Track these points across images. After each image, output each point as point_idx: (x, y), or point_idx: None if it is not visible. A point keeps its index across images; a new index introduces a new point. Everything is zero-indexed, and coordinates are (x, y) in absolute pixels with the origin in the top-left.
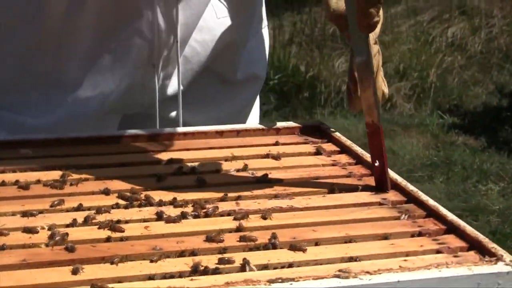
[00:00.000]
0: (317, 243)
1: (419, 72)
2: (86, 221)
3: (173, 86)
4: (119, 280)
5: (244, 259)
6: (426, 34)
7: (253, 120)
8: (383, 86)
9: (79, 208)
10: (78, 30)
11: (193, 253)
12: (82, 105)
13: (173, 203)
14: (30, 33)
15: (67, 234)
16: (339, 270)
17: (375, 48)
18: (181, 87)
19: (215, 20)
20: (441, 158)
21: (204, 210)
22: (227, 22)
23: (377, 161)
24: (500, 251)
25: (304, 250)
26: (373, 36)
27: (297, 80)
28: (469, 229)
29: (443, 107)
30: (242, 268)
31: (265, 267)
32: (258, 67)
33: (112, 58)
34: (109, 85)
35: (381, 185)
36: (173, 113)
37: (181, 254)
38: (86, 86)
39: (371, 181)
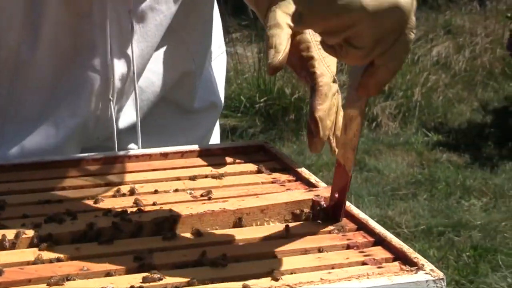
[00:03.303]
0: (243, 259)
1: (404, 91)
2: (15, 244)
3: (128, 117)
4: None
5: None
6: (411, 54)
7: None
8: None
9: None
10: (32, 63)
11: (118, 272)
12: (37, 138)
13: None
14: None
15: None
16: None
17: (334, 87)
18: (140, 117)
19: (170, 50)
20: (425, 175)
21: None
22: (182, 50)
23: (337, 194)
24: (422, 260)
25: (224, 265)
26: (330, 74)
27: (283, 103)
28: (395, 240)
29: (428, 125)
30: None
31: (188, 284)
32: (215, 95)
33: (67, 91)
34: (64, 119)
35: (335, 214)
36: (131, 145)
37: (108, 274)
38: (41, 119)
39: None
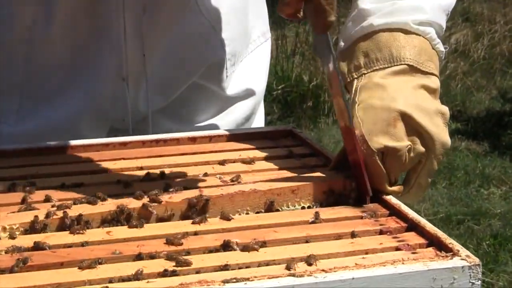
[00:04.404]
0: (276, 243)
1: None
2: (46, 226)
3: (155, 100)
4: (77, 285)
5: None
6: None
7: None
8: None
9: (48, 215)
10: (46, 41)
11: (151, 256)
12: (52, 116)
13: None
14: None
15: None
16: (293, 269)
17: None
18: (166, 101)
19: (198, 38)
20: (444, 163)
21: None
22: (212, 39)
23: (353, 157)
24: (457, 246)
25: (257, 250)
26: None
27: (300, 90)
28: (429, 226)
29: None
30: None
31: (221, 268)
32: (253, 83)
33: (81, 71)
34: (78, 98)
35: (362, 190)
36: (165, 127)
37: (140, 257)
38: (56, 98)
39: None
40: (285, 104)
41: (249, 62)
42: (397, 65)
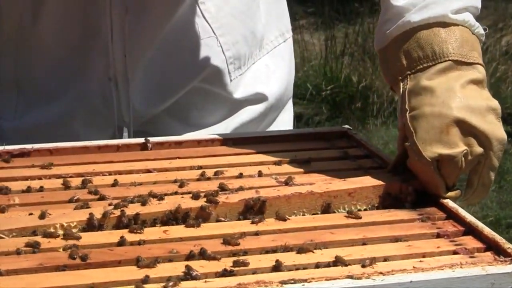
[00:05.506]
0: (333, 245)
1: None
2: (103, 224)
3: (152, 102)
4: (135, 282)
5: (277, 261)
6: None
7: None
8: None
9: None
10: (35, 37)
11: (208, 256)
12: (46, 112)
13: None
14: None
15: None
16: (351, 271)
17: None
18: (164, 103)
19: (197, 41)
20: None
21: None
22: (211, 43)
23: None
24: None
25: (313, 251)
26: None
27: (349, 91)
28: (487, 230)
29: None
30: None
31: (278, 268)
32: (264, 86)
33: (71, 69)
34: (69, 95)
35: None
36: (171, 128)
37: (196, 256)
38: (47, 94)
39: None
40: (333, 105)
41: (262, 65)
42: (441, 62)
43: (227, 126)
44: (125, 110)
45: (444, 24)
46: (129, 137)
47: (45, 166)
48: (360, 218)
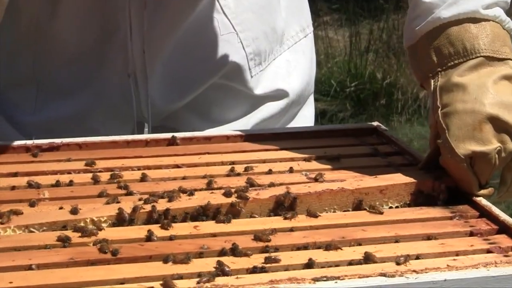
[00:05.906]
0: (365, 242)
1: None
2: (133, 219)
3: (170, 97)
4: (165, 278)
5: (310, 259)
6: None
7: None
8: None
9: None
10: (52, 33)
11: (239, 251)
12: (64, 108)
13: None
14: (9, 35)
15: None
16: (385, 269)
17: None
18: (183, 99)
19: (216, 37)
20: None
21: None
22: (231, 39)
23: None
24: None
25: (341, 249)
26: None
27: (374, 88)
28: None
29: None
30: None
31: (311, 266)
32: (285, 82)
33: (89, 65)
34: (86, 91)
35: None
36: (192, 124)
37: (227, 253)
38: (65, 90)
39: None
40: (357, 102)
41: (283, 61)
42: (472, 58)
43: (247, 122)
44: (144, 106)
45: (474, 19)
46: (148, 133)
47: (89, 163)
48: (382, 213)
